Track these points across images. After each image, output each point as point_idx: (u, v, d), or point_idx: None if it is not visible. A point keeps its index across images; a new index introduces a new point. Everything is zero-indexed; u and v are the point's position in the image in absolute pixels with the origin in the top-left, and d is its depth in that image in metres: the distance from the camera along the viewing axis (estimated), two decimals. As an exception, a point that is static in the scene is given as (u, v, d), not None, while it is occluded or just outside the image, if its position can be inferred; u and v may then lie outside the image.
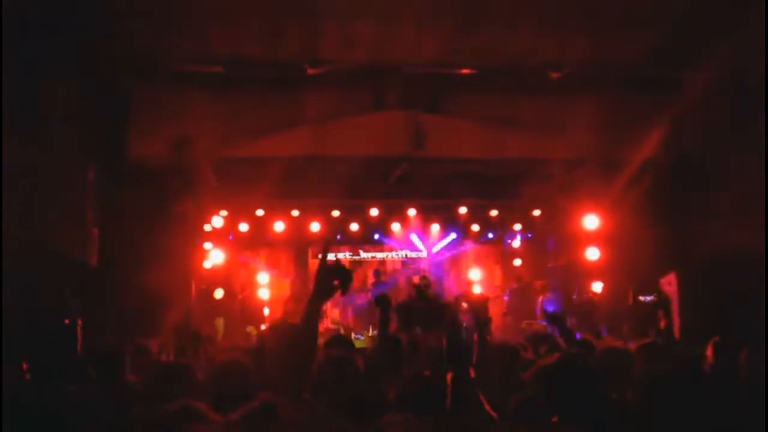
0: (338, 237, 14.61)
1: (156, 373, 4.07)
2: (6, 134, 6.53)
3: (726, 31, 7.49)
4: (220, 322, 11.96)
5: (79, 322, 5.29)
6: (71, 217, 8.80)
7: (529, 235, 14.75)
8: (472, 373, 2.97)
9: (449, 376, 2.92)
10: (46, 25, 7.00)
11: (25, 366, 4.19)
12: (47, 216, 7.90)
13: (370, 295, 13.98)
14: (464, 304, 11.31)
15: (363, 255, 15.44)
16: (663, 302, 9.13)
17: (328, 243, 4.11)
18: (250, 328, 11.87)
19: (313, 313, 2.97)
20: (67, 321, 5.55)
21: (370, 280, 14.88)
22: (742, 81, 8.30)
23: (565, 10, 7.77)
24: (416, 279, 13.50)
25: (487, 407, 2.97)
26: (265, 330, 4.84)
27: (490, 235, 14.89)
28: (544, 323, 11.70)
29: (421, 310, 10.33)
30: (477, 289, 14.14)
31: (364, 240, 15.03)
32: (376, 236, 14.93)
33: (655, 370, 4.09)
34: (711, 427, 3.26)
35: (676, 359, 5.08)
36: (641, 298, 10.01)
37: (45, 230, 7.82)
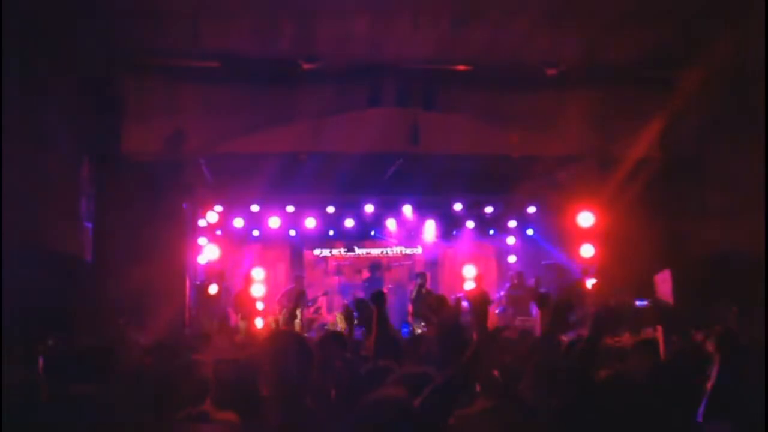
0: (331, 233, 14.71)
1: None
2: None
3: (723, 28, 7.49)
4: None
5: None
6: (64, 211, 8.77)
7: (524, 232, 14.75)
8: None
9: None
10: (41, 21, 6.97)
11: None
12: (40, 210, 7.88)
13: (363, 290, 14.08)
14: (464, 303, 11.29)
15: (358, 251, 15.43)
16: (657, 309, 9.08)
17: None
18: (242, 323, 11.86)
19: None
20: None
21: (366, 275, 14.90)
22: (738, 79, 8.30)
23: (561, 7, 7.76)
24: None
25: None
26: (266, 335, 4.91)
27: (491, 232, 14.89)
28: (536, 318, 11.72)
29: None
30: (471, 285, 14.15)
31: (359, 236, 15.05)
32: (372, 232, 14.97)
33: (652, 366, 4.11)
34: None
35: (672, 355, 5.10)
36: (636, 303, 10.00)
37: (38, 224, 7.79)
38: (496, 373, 3.68)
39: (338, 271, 15.39)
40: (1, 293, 6.33)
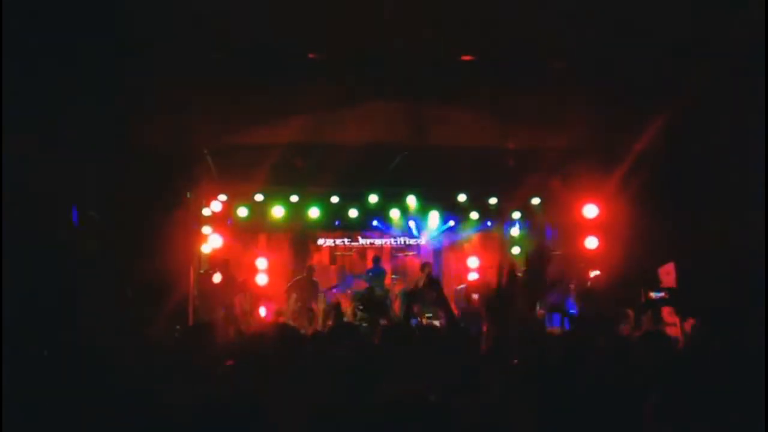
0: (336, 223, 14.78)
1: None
2: (5, 121, 6.51)
3: (726, 26, 7.47)
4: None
5: None
6: (69, 203, 8.78)
7: (528, 224, 14.77)
8: None
9: None
10: (46, 12, 6.97)
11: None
12: (44, 202, 7.89)
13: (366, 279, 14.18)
14: (474, 296, 11.34)
15: (361, 241, 15.47)
16: (672, 299, 9.09)
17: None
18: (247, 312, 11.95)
19: None
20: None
21: (369, 265, 14.94)
22: (742, 75, 8.27)
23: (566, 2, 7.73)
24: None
25: None
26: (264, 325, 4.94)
27: (489, 224, 14.91)
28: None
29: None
30: (474, 276, 14.21)
31: (363, 226, 15.10)
32: (375, 222, 15.01)
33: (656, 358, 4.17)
34: (705, 409, 3.31)
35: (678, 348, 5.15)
36: (652, 294, 10.05)
37: (42, 216, 7.81)
38: None
39: (341, 260, 15.44)
40: (2, 288, 6.35)
